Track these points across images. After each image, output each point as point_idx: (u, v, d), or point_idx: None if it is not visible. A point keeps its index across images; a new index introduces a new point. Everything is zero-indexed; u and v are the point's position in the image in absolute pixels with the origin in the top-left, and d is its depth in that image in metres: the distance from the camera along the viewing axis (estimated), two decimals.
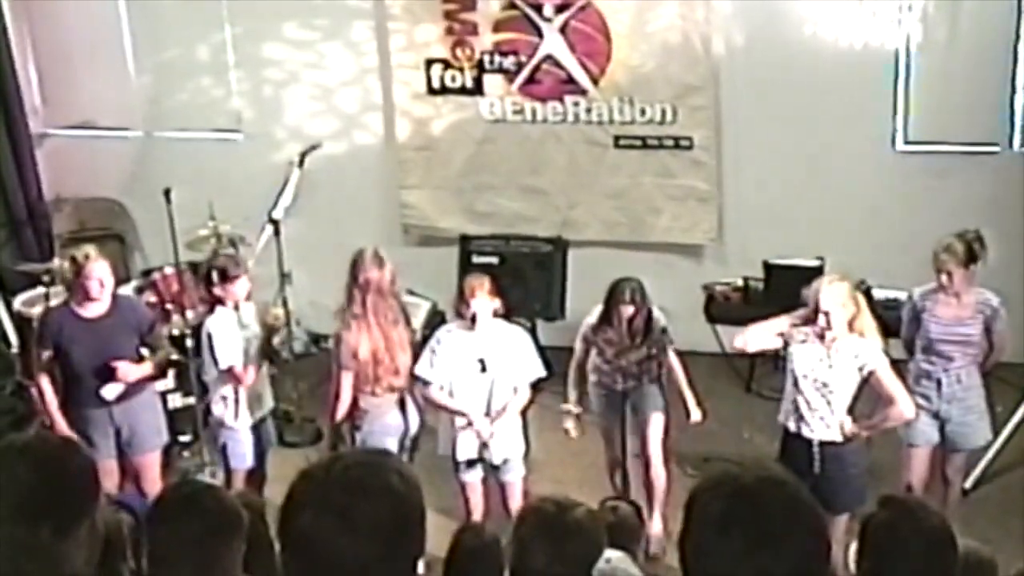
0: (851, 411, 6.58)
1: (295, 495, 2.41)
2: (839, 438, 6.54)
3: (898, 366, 6.80)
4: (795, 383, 6.59)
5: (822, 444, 6.53)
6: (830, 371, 6.48)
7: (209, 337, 7.14)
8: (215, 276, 7.16)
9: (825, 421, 6.54)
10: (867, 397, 6.64)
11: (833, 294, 6.39)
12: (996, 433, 7.53)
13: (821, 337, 6.45)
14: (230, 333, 7.13)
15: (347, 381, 6.95)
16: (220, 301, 7.19)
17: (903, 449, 7.04)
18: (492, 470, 7.19)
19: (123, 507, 4.56)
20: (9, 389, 9.19)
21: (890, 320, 7.66)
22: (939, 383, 6.92)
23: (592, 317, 7.39)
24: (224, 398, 7.24)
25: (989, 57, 8.96)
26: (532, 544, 3.92)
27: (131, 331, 7.04)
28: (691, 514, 2.34)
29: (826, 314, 6.34)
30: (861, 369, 6.46)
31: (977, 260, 6.81)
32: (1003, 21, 8.88)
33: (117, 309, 7.03)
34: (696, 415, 7.44)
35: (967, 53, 9.01)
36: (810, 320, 6.51)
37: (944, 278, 6.78)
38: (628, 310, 7.17)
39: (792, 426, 6.63)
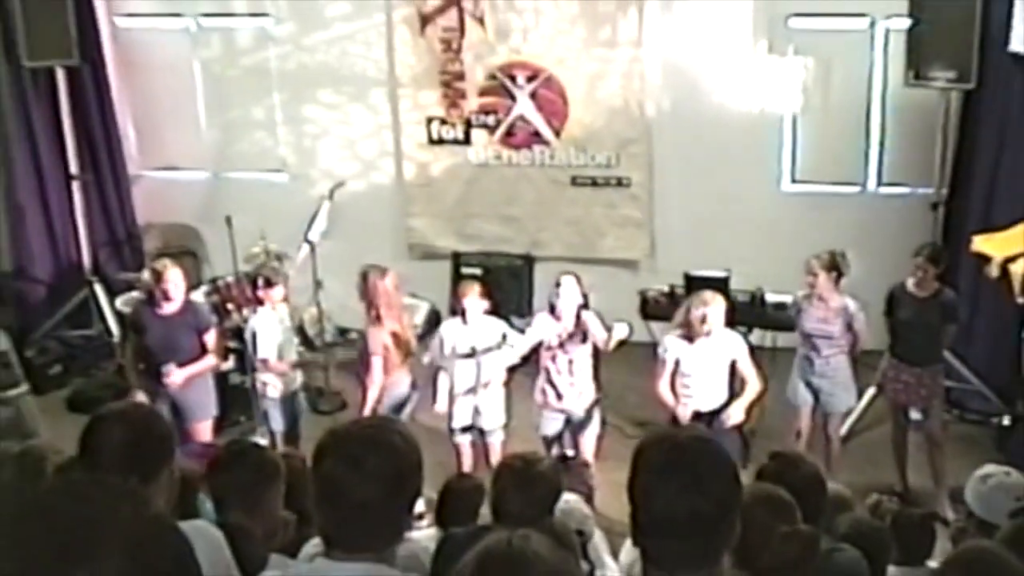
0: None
1: (322, 447, 2.43)
2: (716, 406, 6.70)
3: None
4: (684, 376, 6.71)
5: (706, 413, 6.70)
6: (711, 363, 6.63)
7: (253, 335, 7.14)
8: (260, 282, 7.23)
9: (705, 399, 6.71)
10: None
11: (717, 308, 6.54)
12: (859, 400, 7.59)
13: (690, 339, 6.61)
14: (270, 331, 7.11)
15: (378, 364, 6.89)
16: (262, 302, 7.22)
17: (793, 409, 7.15)
18: (480, 434, 7.18)
19: None
20: (112, 368, 9.22)
21: (781, 318, 7.74)
22: (812, 363, 6.98)
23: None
24: (264, 379, 7.24)
25: (851, 118, 9.04)
26: (507, 494, 3.96)
27: (192, 329, 7.04)
28: (637, 463, 2.30)
29: (713, 327, 6.54)
30: (734, 361, 6.67)
31: (840, 270, 6.83)
32: (860, 92, 8.98)
33: (186, 311, 7.04)
34: (621, 331, 6.66)
35: (836, 115, 9.08)
36: (690, 329, 6.58)
37: (811, 278, 6.81)
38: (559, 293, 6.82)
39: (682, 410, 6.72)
